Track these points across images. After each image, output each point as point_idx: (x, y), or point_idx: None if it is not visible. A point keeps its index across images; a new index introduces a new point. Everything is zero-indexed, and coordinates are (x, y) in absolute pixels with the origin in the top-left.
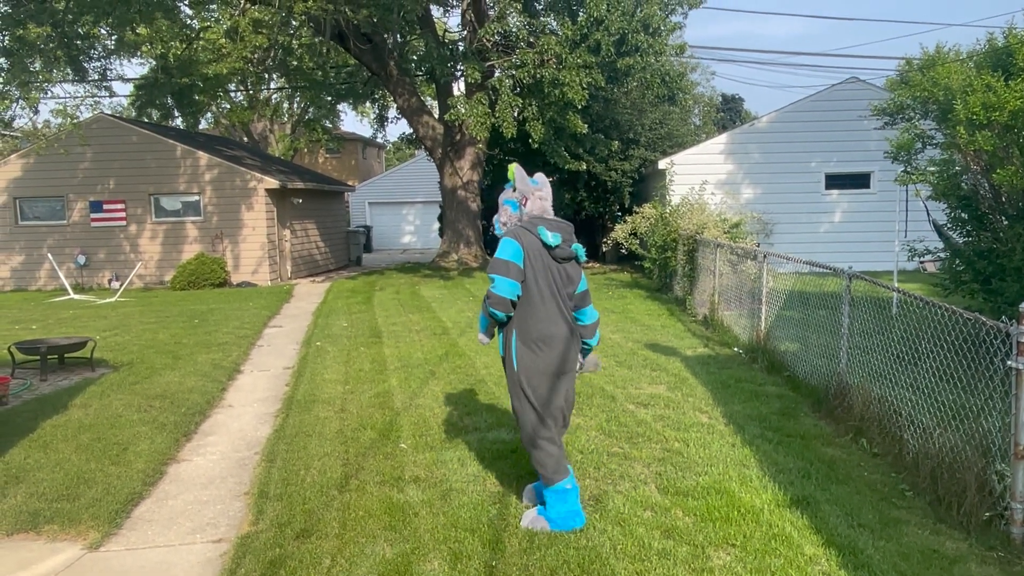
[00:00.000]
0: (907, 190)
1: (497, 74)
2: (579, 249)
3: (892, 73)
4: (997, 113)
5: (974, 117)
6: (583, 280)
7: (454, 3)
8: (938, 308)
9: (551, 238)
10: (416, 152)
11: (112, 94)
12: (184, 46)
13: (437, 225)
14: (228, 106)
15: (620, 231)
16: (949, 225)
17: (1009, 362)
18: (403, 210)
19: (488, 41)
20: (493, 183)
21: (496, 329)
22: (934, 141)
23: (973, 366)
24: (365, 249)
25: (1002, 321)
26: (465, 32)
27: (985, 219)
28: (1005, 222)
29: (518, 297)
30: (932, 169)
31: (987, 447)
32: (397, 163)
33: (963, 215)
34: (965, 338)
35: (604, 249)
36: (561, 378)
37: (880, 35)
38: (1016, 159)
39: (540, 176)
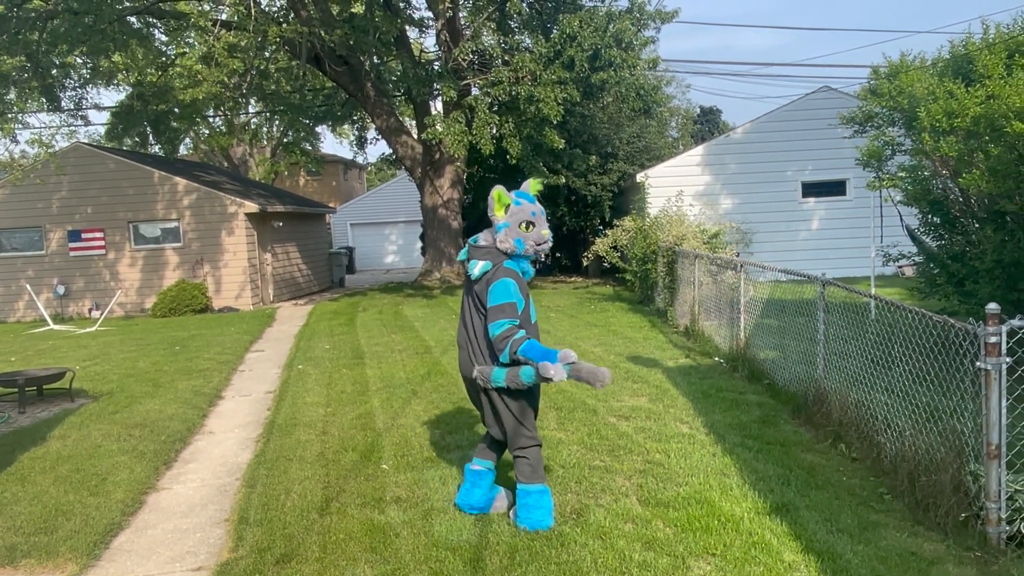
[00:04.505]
0: (881, 195)
1: (474, 92)
2: (471, 266)
3: (864, 81)
4: (959, 119)
5: (937, 124)
6: (489, 297)
7: (429, 24)
8: (908, 312)
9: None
10: (397, 172)
11: (88, 123)
12: (159, 73)
13: (420, 244)
14: (207, 131)
15: (601, 244)
16: (922, 229)
17: (978, 363)
18: (385, 230)
19: (463, 60)
20: (474, 200)
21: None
22: (903, 148)
23: (945, 368)
24: (348, 270)
25: (969, 323)
26: (441, 52)
27: (956, 223)
28: (976, 225)
29: None
30: (903, 175)
31: (961, 448)
32: (378, 183)
33: (935, 219)
34: (936, 340)
35: (586, 263)
36: (465, 381)
37: (850, 44)
38: (981, 163)
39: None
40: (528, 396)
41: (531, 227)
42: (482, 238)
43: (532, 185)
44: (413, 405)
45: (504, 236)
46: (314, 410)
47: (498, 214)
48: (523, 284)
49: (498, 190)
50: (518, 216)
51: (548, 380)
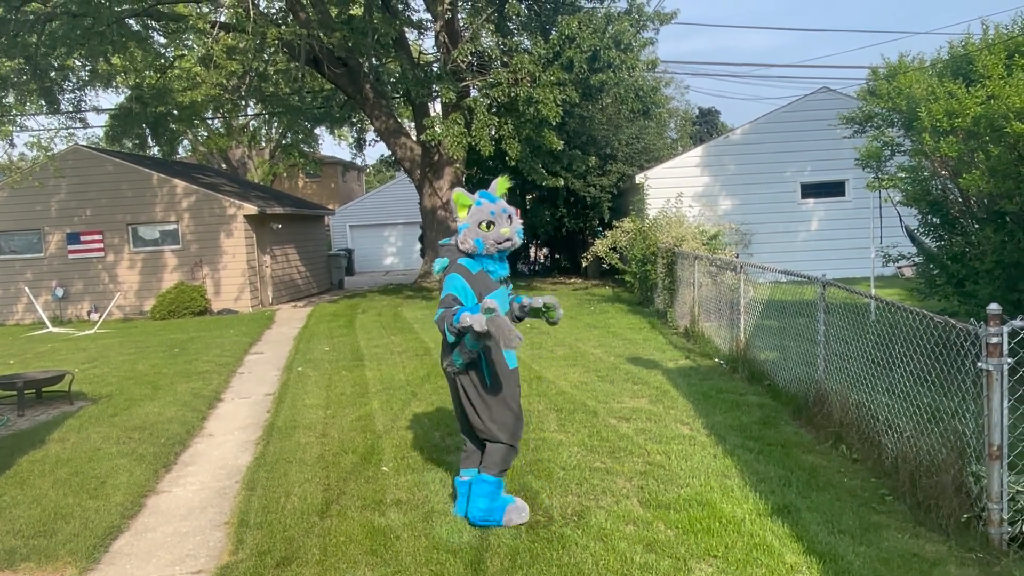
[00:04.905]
0: (881, 196)
1: (473, 93)
2: (434, 264)
3: (863, 82)
4: (960, 119)
5: (938, 124)
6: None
7: (428, 25)
8: (909, 312)
9: None
10: (396, 174)
11: (86, 125)
12: (158, 75)
13: (419, 246)
14: (205, 133)
15: (600, 246)
16: (921, 230)
17: (979, 364)
18: (384, 232)
19: (462, 62)
20: None
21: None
22: (902, 148)
23: (946, 369)
24: (347, 272)
25: (971, 323)
26: (440, 53)
27: (956, 223)
28: (975, 225)
29: None
30: (902, 175)
31: (963, 449)
32: (377, 185)
33: (934, 220)
34: (937, 341)
35: (585, 264)
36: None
37: (850, 45)
38: (981, 163)
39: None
40: (487, 385)
41: (491, 226)
42: (453, 239)
43: (499, 185)
44: (413, 407)
45: (464, 237)
46: (314, 412)
47: (460, 215)
48: (479, 281)
49: (457, 192)
50: (477, 216)
51: (472, 330)
